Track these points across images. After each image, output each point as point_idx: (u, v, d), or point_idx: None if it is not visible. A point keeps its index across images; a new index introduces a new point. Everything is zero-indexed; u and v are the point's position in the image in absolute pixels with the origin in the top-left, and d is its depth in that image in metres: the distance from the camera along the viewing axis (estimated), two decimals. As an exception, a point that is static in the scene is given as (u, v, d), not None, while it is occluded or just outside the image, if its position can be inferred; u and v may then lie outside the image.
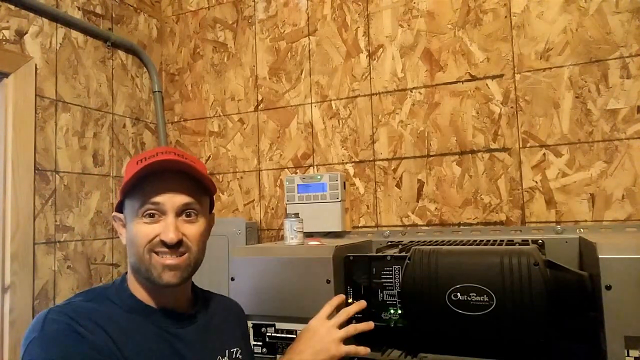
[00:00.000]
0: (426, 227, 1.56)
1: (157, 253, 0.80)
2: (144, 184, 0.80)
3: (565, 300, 0.97)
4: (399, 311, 1.11)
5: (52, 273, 1.56)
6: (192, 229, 0.82)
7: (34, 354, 0.70)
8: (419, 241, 1.40)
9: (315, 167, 1.76)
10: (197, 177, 0.83)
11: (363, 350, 0.94)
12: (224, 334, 0.92)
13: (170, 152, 0.83)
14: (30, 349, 0.71)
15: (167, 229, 0.79)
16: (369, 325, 0.97)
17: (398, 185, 1.62)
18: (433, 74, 1.59)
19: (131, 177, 0.78)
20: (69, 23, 1.66)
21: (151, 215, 0.80)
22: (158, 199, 0.80)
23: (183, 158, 0.83)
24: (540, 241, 1.26)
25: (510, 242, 1.18)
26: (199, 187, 0.84)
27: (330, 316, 0.96)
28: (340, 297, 1.02)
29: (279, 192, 1.82)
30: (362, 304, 1.02)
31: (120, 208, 0.86)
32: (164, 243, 0.79)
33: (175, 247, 0.79)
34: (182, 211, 0.82)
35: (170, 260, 0.79)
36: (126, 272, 0.87)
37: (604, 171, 1.37)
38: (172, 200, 0.80)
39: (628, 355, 0.86)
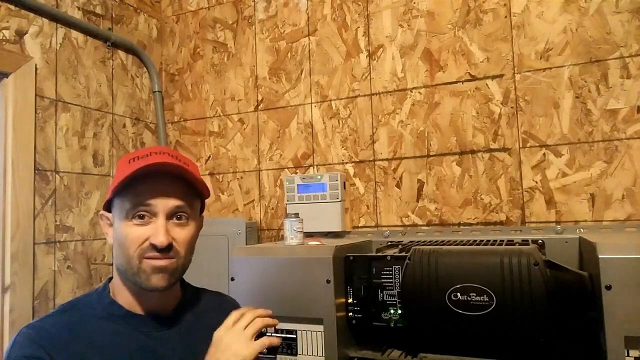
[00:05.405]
0: (426, 227, 1.56)
1: (146, 257, 0.78)
2: (136, 185, 0.79)
3: (565, 300, 0.97)
4: (399, 311, 1.11)
5: (52, 273, 1.56)
6: (182, 233, 0.81)
7: None
8: (419, 241, 1.40)
9: (315, 167, 1.76)
10: (190, 180, 0.82)
11: (276, 340, 0.83)
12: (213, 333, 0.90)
13: (164, 153, 0.81)
14: None
15: (158, 231, 0.78)
16: (277, 340, 0.84)
17: (398, 185, 1.61)
18: (433, 74, 1.59)
19: (124, 178, 0.77)
20: (69, 23, 1.66)
21: (141, 217, 0.79)
22: (150, 200, 0.78)
23: (177, 160, 0.81)
24: (540, 241, 1.26)
25: (510, 242, 1.19)
26: (191, 190, 0.83)
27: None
28: (255, 312, 0.85)
29: (279, 192, 1.81)
30: (275, 321, 0.87)
31: (108, 207, 0.84)
32: (153, 246, 0.78)
33: (165, 250, 0.78)
34: (173, 214, 0.80)
35: (159, 262, 0.78)
36: (109, 279, 0.86)
37: (604, 171, 1.37)
38: (164, 202, 0.79)
39: (628, 355, 0.86)
